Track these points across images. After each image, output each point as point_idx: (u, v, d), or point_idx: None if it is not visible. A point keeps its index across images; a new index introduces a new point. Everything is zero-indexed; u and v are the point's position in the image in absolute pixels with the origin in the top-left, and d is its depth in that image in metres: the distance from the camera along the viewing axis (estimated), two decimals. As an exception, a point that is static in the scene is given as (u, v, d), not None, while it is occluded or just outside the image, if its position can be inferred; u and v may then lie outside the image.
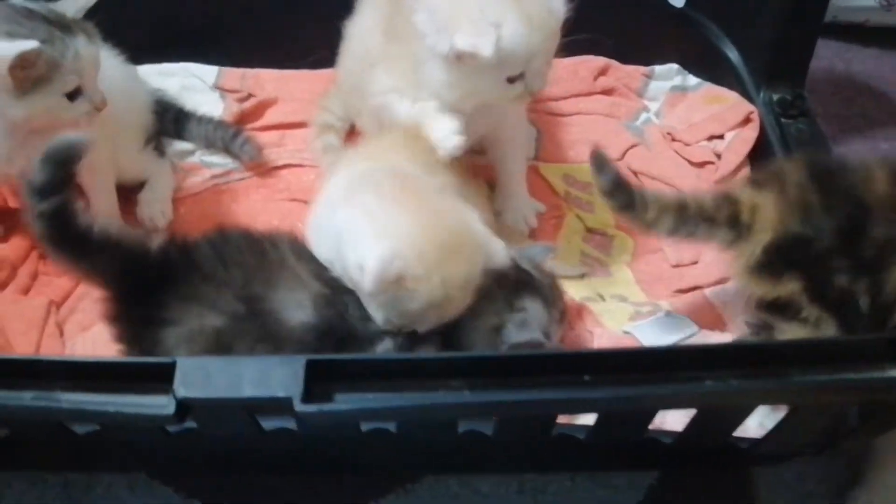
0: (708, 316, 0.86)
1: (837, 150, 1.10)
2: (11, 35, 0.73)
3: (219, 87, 1.05)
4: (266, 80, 1.06)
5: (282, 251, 0.73)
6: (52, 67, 0.74)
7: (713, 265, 0.89)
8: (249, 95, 1.04)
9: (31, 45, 0.71)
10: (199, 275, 0.71)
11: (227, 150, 0.99)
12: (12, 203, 0.93)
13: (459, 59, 0.75)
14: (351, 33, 0.91)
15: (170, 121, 1.00)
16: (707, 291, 0.88)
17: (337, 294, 0.71)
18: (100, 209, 0.89)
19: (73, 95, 0.77)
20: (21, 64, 0.72)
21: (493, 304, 0.74)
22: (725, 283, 0.87)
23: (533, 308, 0.76)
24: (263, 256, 0.73)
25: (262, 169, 0.99)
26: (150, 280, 0.70)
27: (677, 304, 0.88)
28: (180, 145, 1.00)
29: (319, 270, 0.72)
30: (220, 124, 1.00)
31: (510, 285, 0.76)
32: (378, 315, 0.69)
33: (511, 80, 0.77)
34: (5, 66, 0.71)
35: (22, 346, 0.81)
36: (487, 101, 0.80)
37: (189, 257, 0.72)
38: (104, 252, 0.69)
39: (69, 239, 0.68)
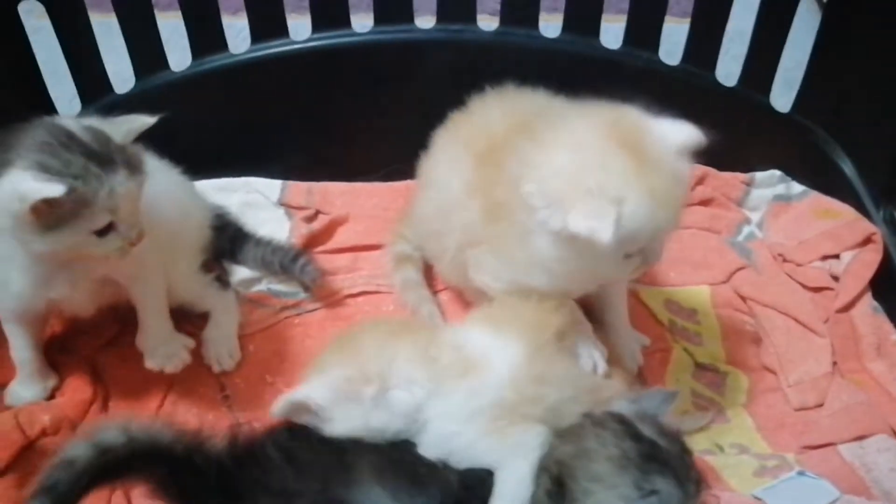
0: (847, 478, 0.76)
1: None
2: (42, 167, 0.64)
3: (283, 204, 0.97)
4: (335, 195, 0.98)
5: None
6: (81, 205, 0.65)
7: (843, 413, 0.81)
8: (318, 213, 0.97)
9: (57, 189, 0.63)
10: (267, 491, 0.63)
11: (286, 272, 0.91)
12: (66, 345, 0.85)
13: (573, 240, 0.65)
14: (428, 178, 0.83)
15: (227, 240, 0.92)
16: (842, 448, 0.79)
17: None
18: (150, 333, 0.81)
19: (104, 231, 0.68)
20: (45, 203, 0.64)
21: (615, 487, 0.66)
22: (864, 440, 0.78)
23: (665, 489, 0.66)
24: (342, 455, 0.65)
25: (336, 298, 0.91)
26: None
27: (807, 461, 0.79)
28: (244, 273, 0.92)
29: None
30: (279, 246, 0.92)
31: (634, 458, 0.67)
32: None
33: (627, 256, 0.68)
34: (27, 204, 0.63)
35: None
36: (600, 278, 0.73)
37: (254, 469, 0.64)
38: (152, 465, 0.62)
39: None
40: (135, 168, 0.69)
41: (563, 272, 0.70)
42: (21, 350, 0.80)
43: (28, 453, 0.75)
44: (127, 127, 0.70)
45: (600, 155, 0.66)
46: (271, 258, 0.91)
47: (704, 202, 0.98)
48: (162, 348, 0.82)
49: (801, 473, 0.78)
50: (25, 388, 0.81)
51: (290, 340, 0.88)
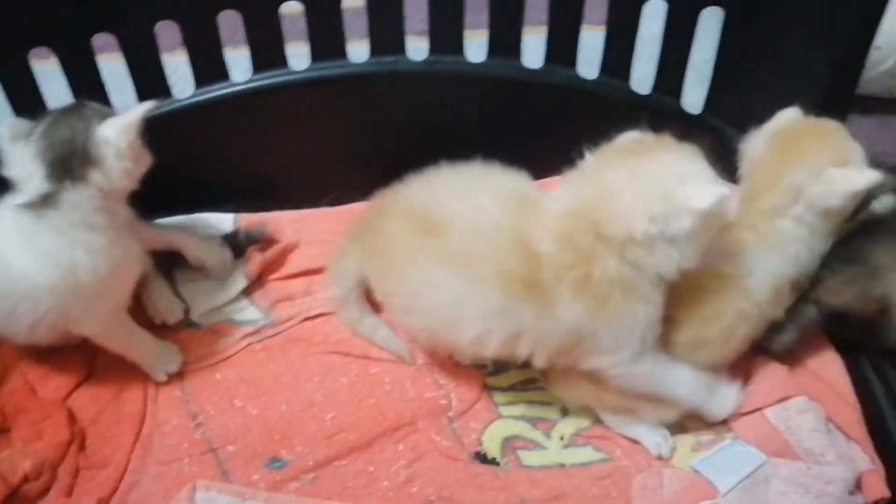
0: (773, 442, 0.84)
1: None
2: None
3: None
4: (285, 223, 1.03)
5: None
6: None
7: (766, 380, 0.88)
8: (271, 241, 1.01)
9: None
10: None
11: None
12: (39, 389, 0.89)
13: (705, 220, 0.70)
14: None
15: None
16: (768, 412, 0.86)
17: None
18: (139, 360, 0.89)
19: None
20: None
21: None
22: (787, 402, 0.86)
23: None
24: None
25: (294, 322, 0.96)
26: None
27: (739, 429, 0.86)
28: (205, 305, 0.96)
29: None
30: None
31: None
32: None
33: None
34: None
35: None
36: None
37: None
38: None
39: None
40: None
41: (693, 262, 0.74)
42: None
43: (11, 500, 0.79)
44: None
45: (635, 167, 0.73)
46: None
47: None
48: (158, 365, 0.90)
49: (733, 442, 0.86)
50: None
51: (254, 366, 0.93)
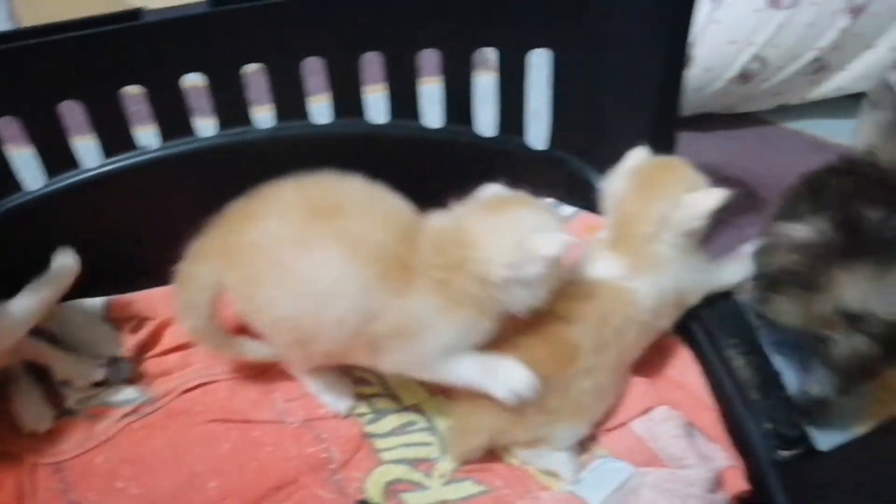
0: (640, 452, 0.88)
1: (708, 245, 1.17)
2: None
3: (109, 319, 1.02)
4: (157, 300, 1.03)
5: None
6: None
7: (630, 396, 0.92)
8: (143, 321, 1.02)
9: None
10: None
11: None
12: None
13: (553, 265, 0.80)
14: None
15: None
16: (634, 425, 0.91)
17: None
18: None
19: None
20: None
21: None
22: (650, 413, 0.90)
23: None
24: None
25: (173, 395, 0.96)
26: None
27: (609, 444, 0.91)
28: (80, 393, 0.96)
29: None
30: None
31: None
32: None
33: None
34: None
35: None
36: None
37: None
38: None
39: None
40: None
41: (542, 299, 0.84)
42: None
43: None
44: None
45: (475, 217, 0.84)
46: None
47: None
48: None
49: (604, 460, 0.90)
50: None
51: (135, 444, 0.93)
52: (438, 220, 0.86)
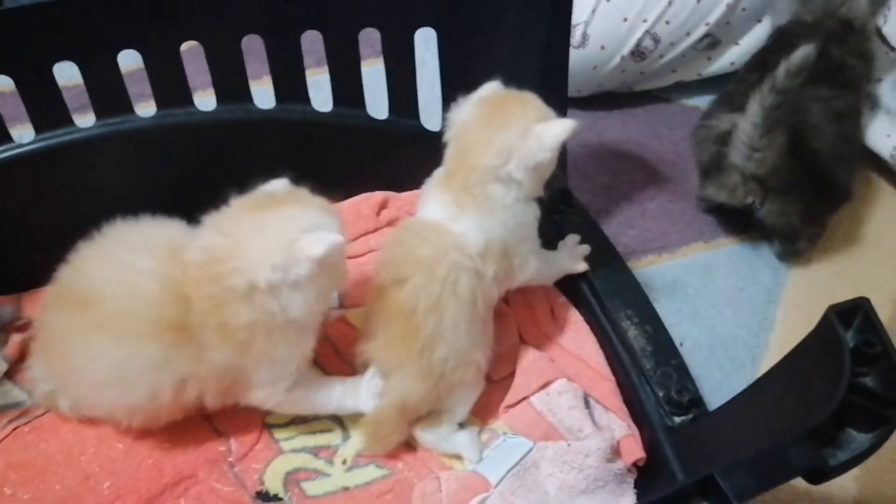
0: (539, 426, 0.89)
1: (610, 220, 1.19)
2: None
3: (-6, 319, 0.98)
4: (42, 300, 0.98)
5: None
6: None
7: (529, 370, 0.93)
8: (29, 321, 0.98)
9: None
10: None
11: None
12: None
13: (321, 266, 0.76)
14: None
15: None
16: (533, 400, 0.91)
17: None
18: None
19: None
20: None
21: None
22: (548, 387, 0.91)
23: None
24: None
25: (63, 397, 0.94)
26: None
27: (509, 420, 0.91)
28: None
29: None
30: None
31: None
32: None
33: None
34: None
35: None
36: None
37: None
38: None
39: None
40: None
41: (322, 304, 0.82)
42: None
43: None
44: None
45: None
46: None
47: (391, 222, 1.09)
48: None
49: (506, 437, 0.90)
50: None
51: (25, 449, 0.89)
52: (192, 251, 0.80)
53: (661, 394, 0.85)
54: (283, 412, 0.90)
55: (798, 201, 1.11)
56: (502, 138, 0.83)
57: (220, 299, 0.77)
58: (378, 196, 1.10)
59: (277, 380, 0.82)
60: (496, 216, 0.85)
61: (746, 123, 1.04)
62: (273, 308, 0.77)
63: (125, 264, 0.80)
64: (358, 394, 0.87)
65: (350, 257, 1.05)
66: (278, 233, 0.77)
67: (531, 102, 0.86)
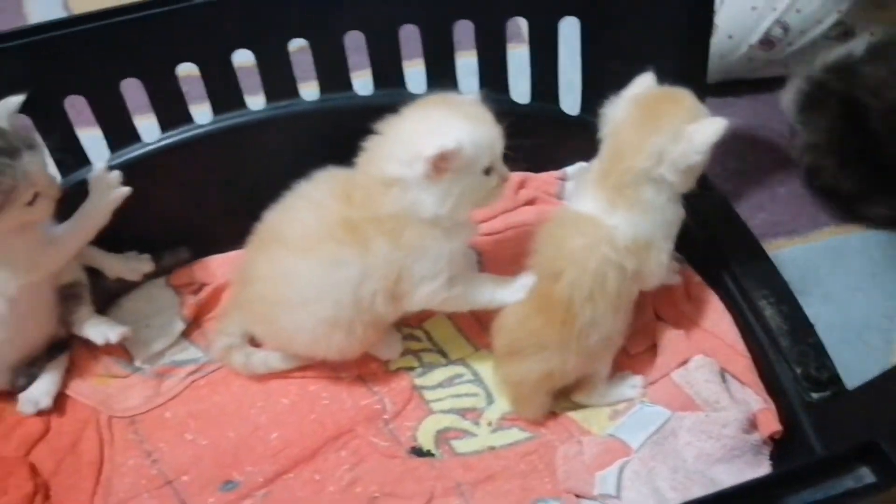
0: (678, 398, 0.93)
1: (741, 204, 1.21)
2: None
3: (170, 285, 1.08)
4: (214, 266, 1.10)
5: None
6: (9, 192, 0.83)
7: (668, 348, 0.97)
8: (202, 285, 1.08)
9: None
10: None
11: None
12: (1, 449, 0.94)
13: (437, 169, 0.81)
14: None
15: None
16: (673, 375, 0.96)
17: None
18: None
19: (31, 201, 0.86)
20: None
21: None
22: (687, 364, 0.95)
23: None
24: None
25: (233, 355, 1.03)
26: None
27: (651, 395, 0.96)
28: (149, 350, 1.02)
29: None
30: None
31: None
32: None
33: (486, 173, 0.85)
34: None
35: None
36: (475, 201, 0.87)
37: None
38: None
39: None
40: (33, 144, 0.86)
41: (448, 210, 0.85)
42: None
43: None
44: (3, 110, 0.86)
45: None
46: None
47: (530, 202, 1.14)
48: None
49: (642, 406, 0.95)
50: None
51: (200, 400, 0.99)
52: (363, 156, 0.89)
53: (798, 371, 0.88)
54: (447, 310, 0.99)
55: None
56: (654, 141, 0.84)
57: (376, 192, 0.85)
58: (517, 176, 1.14)
59: (436, 273, 0.88)
60: (647, 215, 0.87)
61: None
62: (404, 203, 0.84)
63: (307, 198, 0.91)
64: (510, 286, 0.92)
65: (489, 234, 1.11)
66: (412, 133, 0.84)
67: (683, 101, 0.87)
